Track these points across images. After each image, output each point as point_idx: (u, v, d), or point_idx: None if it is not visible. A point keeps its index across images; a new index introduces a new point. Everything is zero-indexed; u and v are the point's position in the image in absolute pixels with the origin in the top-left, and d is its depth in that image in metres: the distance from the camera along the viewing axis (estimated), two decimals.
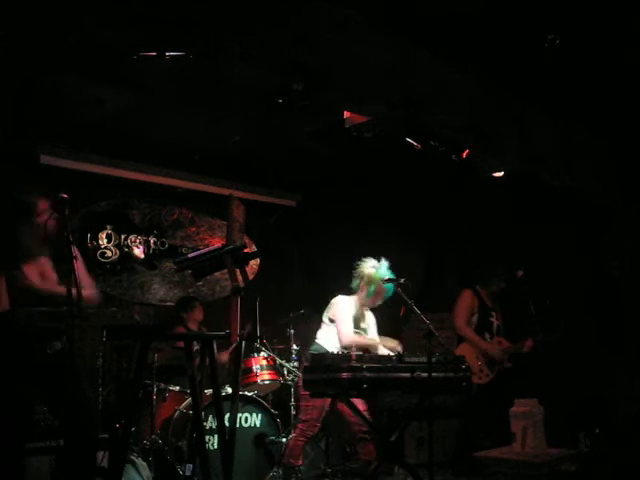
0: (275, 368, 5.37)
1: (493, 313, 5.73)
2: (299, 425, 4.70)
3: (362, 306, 4.81)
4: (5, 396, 3.20)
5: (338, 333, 4.66)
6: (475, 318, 5.66)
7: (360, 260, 4.81)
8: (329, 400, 4.56)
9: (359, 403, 4.50)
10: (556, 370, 5.77)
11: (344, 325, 4.66)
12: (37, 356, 3.16)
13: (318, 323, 4.88)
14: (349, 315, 4.70)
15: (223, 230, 6.59)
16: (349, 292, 4.84)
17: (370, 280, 4.69)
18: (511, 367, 5.55)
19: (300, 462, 4.77)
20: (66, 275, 3.01)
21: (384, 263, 4.70)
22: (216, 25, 3.55)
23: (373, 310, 4.93)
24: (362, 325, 4.82)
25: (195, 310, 5.75)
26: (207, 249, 3.65)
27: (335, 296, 4.82)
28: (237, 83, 4.55)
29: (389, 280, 4.53)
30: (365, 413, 4.50)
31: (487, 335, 5.63)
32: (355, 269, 4.80)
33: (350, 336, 4.63)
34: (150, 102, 4.84)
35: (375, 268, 4.69)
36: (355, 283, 4.79)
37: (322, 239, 7.11)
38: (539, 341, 5.51)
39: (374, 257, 4.77)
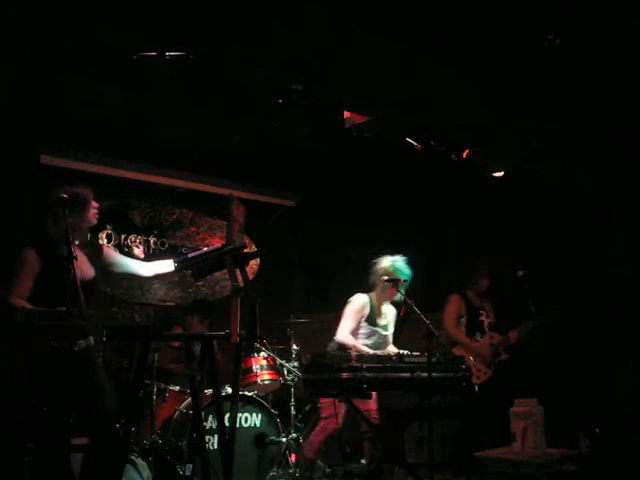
0: (275, 368, 5.37)
1: (482, 312, 5.75)
2: (321, 422, 4.77)
3: (380, 302, 4.83)
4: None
5: (338, 327, 4.71)
6: (464, 320, 5.69)
7: (377, 257, 4.83)
8: None
9: (371, 401, 4.54)
10: (556, 370, 5.76)
11: (343, 324, 4.73)
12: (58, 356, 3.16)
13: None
14: (354, 315, 4.74)
15: (223, 230, 6.56)
16: (367, 289, 4.86)
17: (385, 273, 4.71)
18: (508, 359, 5.57)
19: (313, 457, 4.84)
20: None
21: (401, 257, 4.73)
22: (216, 25, 3.55)
23: None
24: (380, 322, 4.86)
25: (204, 320, 5.62)
26: (207, 249, 3.65)
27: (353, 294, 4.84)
28: (237, 83, 4.55)
29: (390, 280, 4.57)
30: (375, 412, 4.57)
31: (478, 335, 5.66)
32: (372, 266, 4.83)
33: (343, 336, 4.68)
34: (150, 102, 4.84)
35: (392, 262, 4.73)
36: (372, 279, 4.83)
37: (322, 239, 7.11)
38: (526, 328, 5.54)
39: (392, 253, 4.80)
